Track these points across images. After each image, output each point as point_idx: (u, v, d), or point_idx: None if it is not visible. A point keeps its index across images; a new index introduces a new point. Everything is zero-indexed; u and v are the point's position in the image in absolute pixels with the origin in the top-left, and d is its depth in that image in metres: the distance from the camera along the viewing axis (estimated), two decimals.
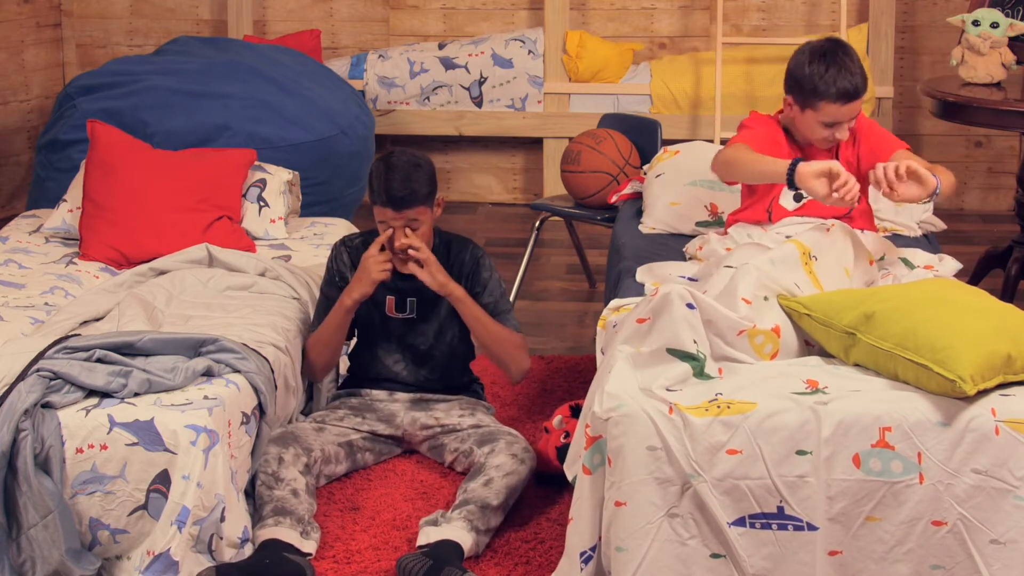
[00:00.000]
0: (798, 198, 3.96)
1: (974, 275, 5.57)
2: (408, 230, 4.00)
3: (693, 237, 4.36)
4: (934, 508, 3.14)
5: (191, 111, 5.38)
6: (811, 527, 3.15)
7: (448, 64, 7.08)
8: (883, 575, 3.17)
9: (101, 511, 3.40)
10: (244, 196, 4.98)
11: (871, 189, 4.09)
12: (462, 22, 7.37)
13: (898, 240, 4.28)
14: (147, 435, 3.39)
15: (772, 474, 3.14)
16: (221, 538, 3.45)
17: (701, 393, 3.22)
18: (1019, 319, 3.33)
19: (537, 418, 4.47)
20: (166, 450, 3.39)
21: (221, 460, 3.43)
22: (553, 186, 6.99)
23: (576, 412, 3.98)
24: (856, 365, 3.36)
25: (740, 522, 3.16)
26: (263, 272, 4.42)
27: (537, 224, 5.72)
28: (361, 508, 3.88)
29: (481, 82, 7.08)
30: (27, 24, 7.13)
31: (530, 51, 7.07)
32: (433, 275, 4.02)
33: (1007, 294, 5.32)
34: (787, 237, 3.76)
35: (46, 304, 4.23)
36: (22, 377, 3.46)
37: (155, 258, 4.54)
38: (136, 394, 3.48)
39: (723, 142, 6.32)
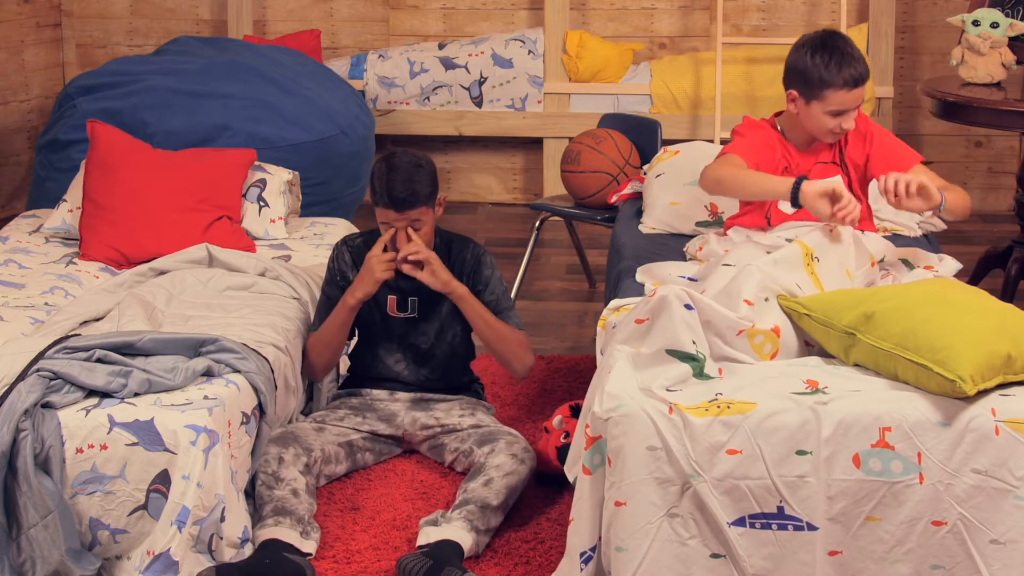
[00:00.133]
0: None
1: (974, 275, 5.57)
2: (411, 230, 4.01)
3: (693, 237, 4.36)
4: (934, 508, 3.14)
5: (191, 111, 5.38)
6: (811, 527, 3.15)
7: (448, 64, 7.08)
8: (883, 575, 3.17)
9: (101, 511, 3.40)
10: (244, 196, 4.98)
11: (871, 189, 4.10)
12: (462, 22, 7.37)
13: (898, 240, 4.28)
14: (147, 435, 3.39)
15: (772, 474, 3.14)
16: (221, 538, 3.45)
17: (701, 393, 3.22)
18: (1019, 319, 3.33)
19: (537, 418, 4.47)
20: (166, 450, 3.39)
21: (221, 460, 3.43)
22: (553, 186, 6.99)
23: (576, 412, 3.98)
24: (856, 365, 3.36)
25: (740, 522, 3.16)
26: (263, 272, 4.42)
27: (537, 224, 5.72)
28: (361, 508, 3.88)
29: (481, 82, 7.08)
30: (27, 24, 7.13)
31: (530, 51, 7.07)
32: (436, 274, 4.02)
33: (1007, 294, 5.32)
34: (787, 240, 3.76)
35: (46, 304, 4.23)
36: (22, 377, 3.46)
37: (155, 258, 4.54)
38: (136, 394, 3.48)
39: (723, 142, 6.31)
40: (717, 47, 6.83)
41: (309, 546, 3.61)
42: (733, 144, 4.00)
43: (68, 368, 3.47)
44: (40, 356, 3.55)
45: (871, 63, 6.82)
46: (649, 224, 4.60)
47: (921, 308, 3.30)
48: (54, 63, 7.34)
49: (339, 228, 5.12)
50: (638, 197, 4.87)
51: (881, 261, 3.88)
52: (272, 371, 3.80)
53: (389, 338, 4.18)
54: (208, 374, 3.63)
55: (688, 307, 3.32)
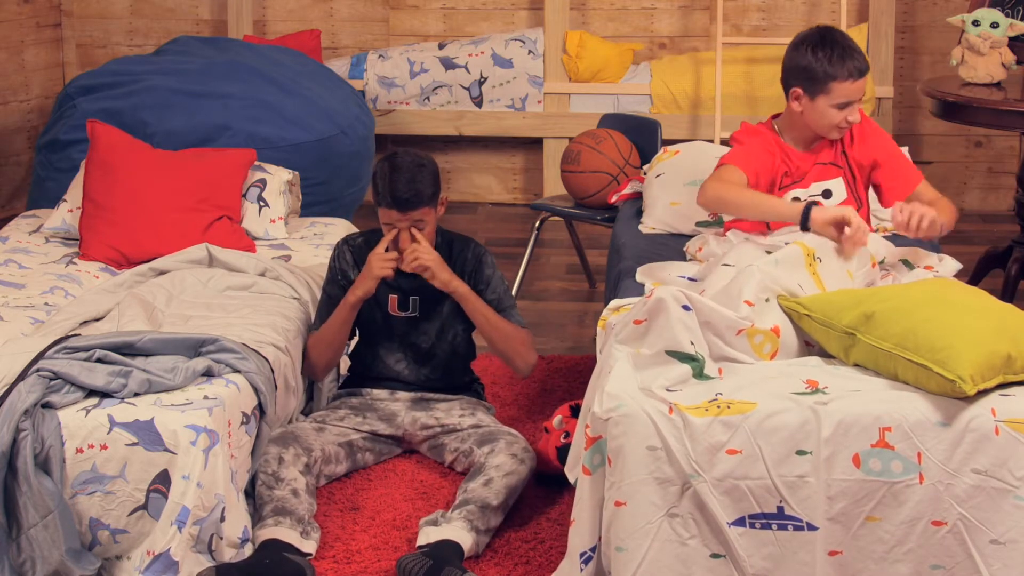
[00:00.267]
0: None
1: (974, 275, 5.57)
2: (414, 230, 4.01)
3: (693, 237, 4.36)
4: (934, 508, 3.14)
5: (191, 111, 5.38)
6: (811, 527, 3.15)
7: (448, 64, 7.08)
8: (883, 575, 3.17)
9: (101, 511, 3.40)
10: (244, 196, 4.98)
11: (869, 189, 4.11)
12: (462, 22, 7.37)
13: (898, 240, 4.28)
14: (147, 435, 3.39)
15: (772, 474, 3.14)
16: (221, 538, 3.45)
17: (701, 393, 3.22)
18: (1019, 319, 3.33)
19: (537, 418, 4.47)
20: (166, 450, 3.39)
21: (221, 460, 3.43)
22: (553, 186, 6.99)
23: (576, 412, 3.98)
24: (856, 365, 3.36)
25: (740, 522, 3.16)
26: (263, 272, 4.42)
27: (537, 224, 5.72)
28: (361, 508, 3.88)
29: (481, 82, 7.08)
30: (27, 24, 7.13)
31: (530, 51, 7.07)
32: (437, 273, 4.02)
33: (1007, 294, 5.32)
34: (786, 244, 3.76)
35: (46, 304, 4.23)
36: (22, 377, 3.46)
37: (155, 258, 4.54)
38: (136, 394, 3.48)
39: (723, 142, 6.32)
40: (717, 47, 6.83)
41: (309, 546, 3.61)
42: (731, 154, 4.00)
43: (68, 368, 3.47)
44: (40, 356, 3.55)
45: (871, 63, 6.82)
46: (649, 224, 4.60)
47: (921, 308, 3.30)
48: (54, 63, 7.34)
49: (339, 228, 5.13)
50: (638, 197, 4.87)
51: (881, 262, 3.88)
52: (272, 371, 3.80)
53: (390, 337, 4.18)
54: (208, 374, 3.63)
55: (686, 308, 3.32)
